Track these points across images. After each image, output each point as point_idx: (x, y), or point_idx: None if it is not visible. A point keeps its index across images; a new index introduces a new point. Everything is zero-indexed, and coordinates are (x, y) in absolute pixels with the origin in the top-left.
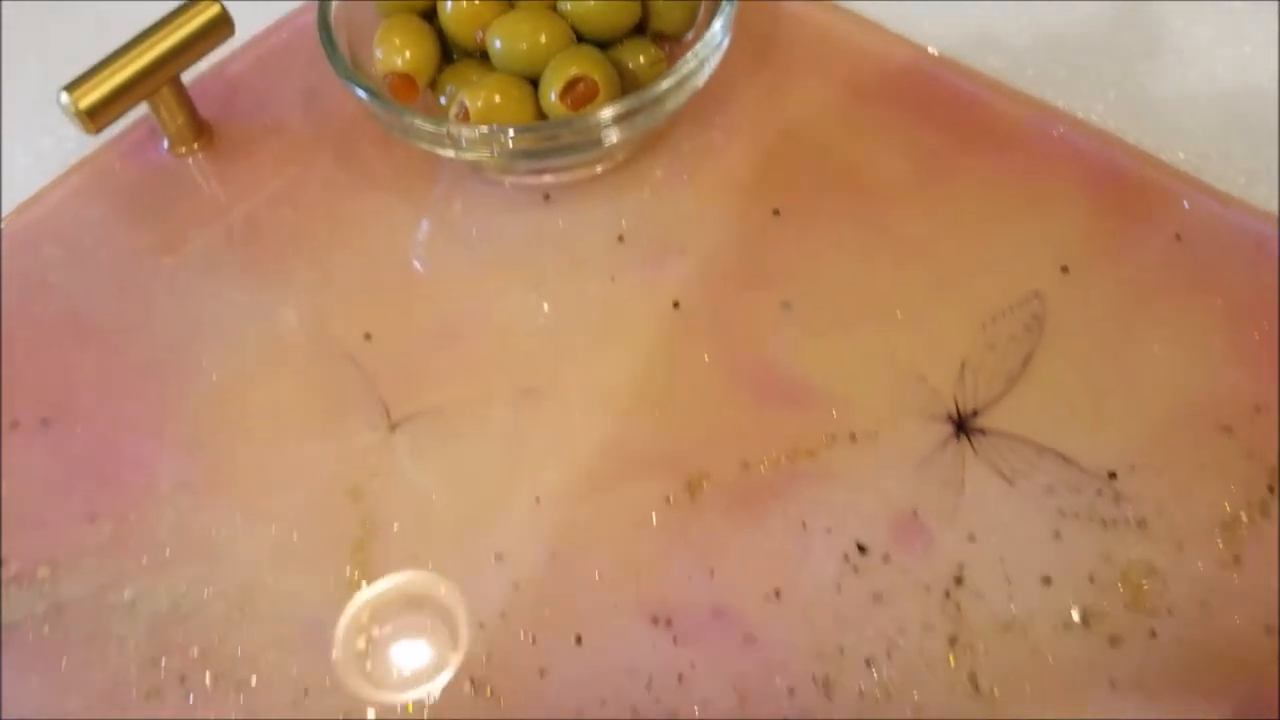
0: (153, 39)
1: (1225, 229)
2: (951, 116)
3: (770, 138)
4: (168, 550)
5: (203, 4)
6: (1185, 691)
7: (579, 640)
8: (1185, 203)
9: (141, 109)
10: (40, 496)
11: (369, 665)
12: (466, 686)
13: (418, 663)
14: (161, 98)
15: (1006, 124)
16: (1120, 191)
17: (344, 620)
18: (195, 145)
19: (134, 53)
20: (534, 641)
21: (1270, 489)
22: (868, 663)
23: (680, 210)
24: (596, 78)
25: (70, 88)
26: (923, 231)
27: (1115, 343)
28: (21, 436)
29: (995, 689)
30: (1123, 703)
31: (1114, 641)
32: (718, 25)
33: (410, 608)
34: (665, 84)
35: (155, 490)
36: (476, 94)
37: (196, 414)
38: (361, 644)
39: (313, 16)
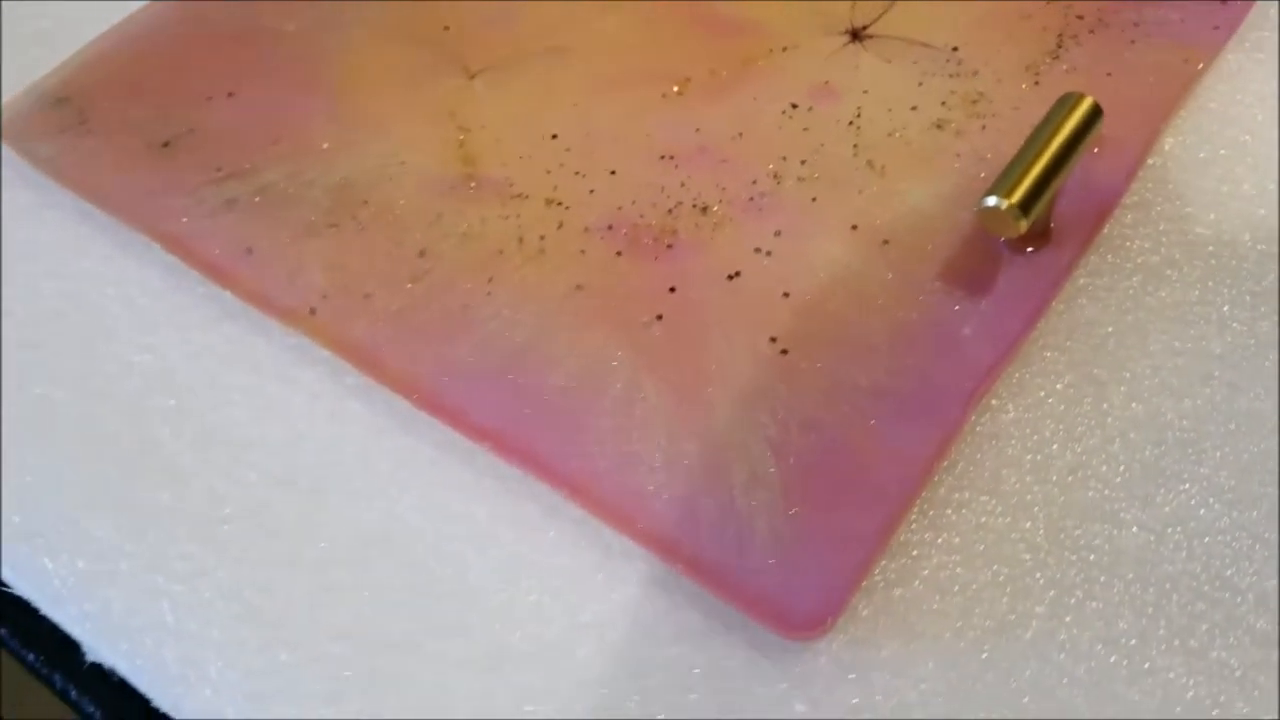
0: None
1: None
2: None
3: None
4: (331, 153)
5: None
6: (1007, 149)
7: (613, 172)
8: None
9: None
10: (239, 134)
11: (479, 192)
12: (542, 202)
13: (510, 194)
14: None
15: None
16: None
17: (459, 175)
18: None
19: None
20: (584, 176)
21: (1059, 44)
22: (801, 162)
23: None
24: None
25: None
26: None
27: None
28: (219, 103)
29: (884, 165)
30: (962, 164)
31: (958, 133)
32: None
33: (500, 165)
34: None
35: (313, 124)
36: None
37: (334, 83)
38: (474, 185)
39: None
